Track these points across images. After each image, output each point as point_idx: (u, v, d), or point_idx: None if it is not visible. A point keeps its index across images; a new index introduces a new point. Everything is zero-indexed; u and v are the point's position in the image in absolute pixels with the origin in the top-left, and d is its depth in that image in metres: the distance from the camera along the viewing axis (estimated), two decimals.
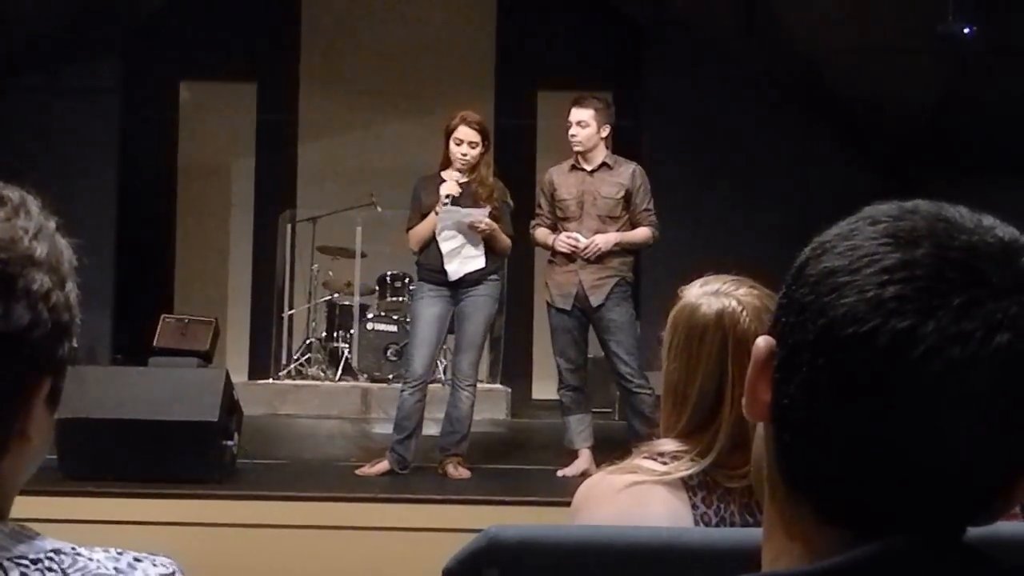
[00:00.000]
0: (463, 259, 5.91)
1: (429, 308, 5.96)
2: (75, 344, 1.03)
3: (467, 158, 5.89)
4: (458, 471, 5.85)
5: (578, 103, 6.01)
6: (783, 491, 0.89)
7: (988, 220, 0.85)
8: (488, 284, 6.01)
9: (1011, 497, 0.85)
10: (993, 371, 0.79)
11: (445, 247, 5.89)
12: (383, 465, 5.87)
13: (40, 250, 0.99)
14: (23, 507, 1.08)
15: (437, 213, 5.88)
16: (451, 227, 5.88)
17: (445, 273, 5.93)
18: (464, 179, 5.92)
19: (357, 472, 5.89)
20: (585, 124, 5.95)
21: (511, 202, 6.10)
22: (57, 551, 1.02)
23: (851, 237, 0.86)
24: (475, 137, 5.89)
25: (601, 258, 5.91)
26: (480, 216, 5.84)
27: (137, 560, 1.06)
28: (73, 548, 1.03)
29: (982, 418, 0.80)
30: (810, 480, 0.86)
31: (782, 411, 0.87)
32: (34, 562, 1.00)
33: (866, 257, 0.83)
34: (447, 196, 5.86)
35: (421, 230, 5.98)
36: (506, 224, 6.01)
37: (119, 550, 1.06)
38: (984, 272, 0.81)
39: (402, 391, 5.98)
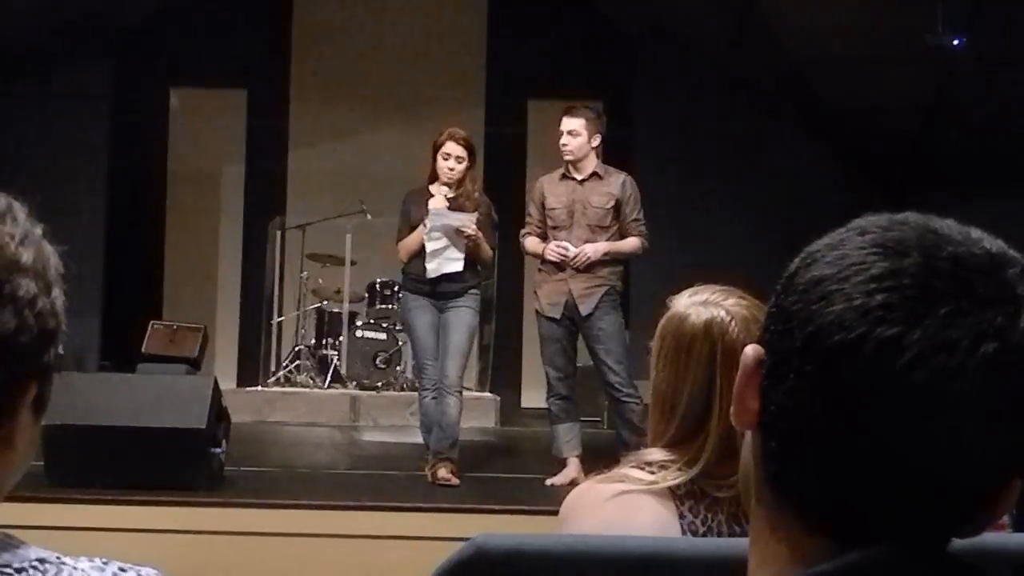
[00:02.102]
0: (443, 260, 6.04)
1: (421, 317, 6.12)
2: (61, 351, 1.03)
3: (454, 172, 6.05)
4: (449, 476, 5.86)
5: (569, 112, 6.03)
6: (769, 499, 0.89)
7: (976, 232, 0.86)
8: (469, 296, 6.13)
9: (996, 508, 0.85)
10: (978, 380, 0.80)
11: (429, 247, 6.03)
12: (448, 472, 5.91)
13: (26, 256, 0.99)
14: (9, 514, 1.08)
15: (425, 226, 6.01)
16: (439, 228, 6.00)
17: (428, 283, 6.05)
18: (451, 193, 6.05)
19: (437, 480, 5.86)
20: (576, 133, 5.96)
21: (495, 216, 6.26)
22: (42, 560, 1.01)
23: (840, 247, 0.86)
24: (461, 152, 6.06)
25: (590, 267, 5.93)
26: (468, 221, 5.96)
27: (122, 570, 1.06)
28: (58, 557, 1.02)
29: (967, 427, 0.80)
30: (796, 488, 0.87)
31: (769, 418, 0.88)
32: (19, 571, 1.00)
33: (854, 266, 0.84)
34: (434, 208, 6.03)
35: (410, 242, 6.13)
36: (489, 236, 6.16)
37: (104, 559, 1.06)
38: (971, 283, 0.82)
39: (423, 397, 6.13)
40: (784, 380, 0.85)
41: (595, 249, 5.91)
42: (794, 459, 0.86)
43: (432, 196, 6.08)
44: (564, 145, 5.98)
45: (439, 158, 6.08)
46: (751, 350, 0.90)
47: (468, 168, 6.10)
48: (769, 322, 0.90)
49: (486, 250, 6.15)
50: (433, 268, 6.04)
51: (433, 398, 6.02)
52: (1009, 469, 0.84)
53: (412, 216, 6.14)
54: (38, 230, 1.02)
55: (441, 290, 6.08)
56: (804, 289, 0.86)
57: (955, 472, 0.82)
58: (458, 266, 6.05)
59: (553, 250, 5.95)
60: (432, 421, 6.02)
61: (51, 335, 1.01)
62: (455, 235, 6.01)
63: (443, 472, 5.87)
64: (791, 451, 0.86)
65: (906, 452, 0.81)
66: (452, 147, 6.06)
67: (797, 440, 0.85)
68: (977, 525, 0.86)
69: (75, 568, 1.02)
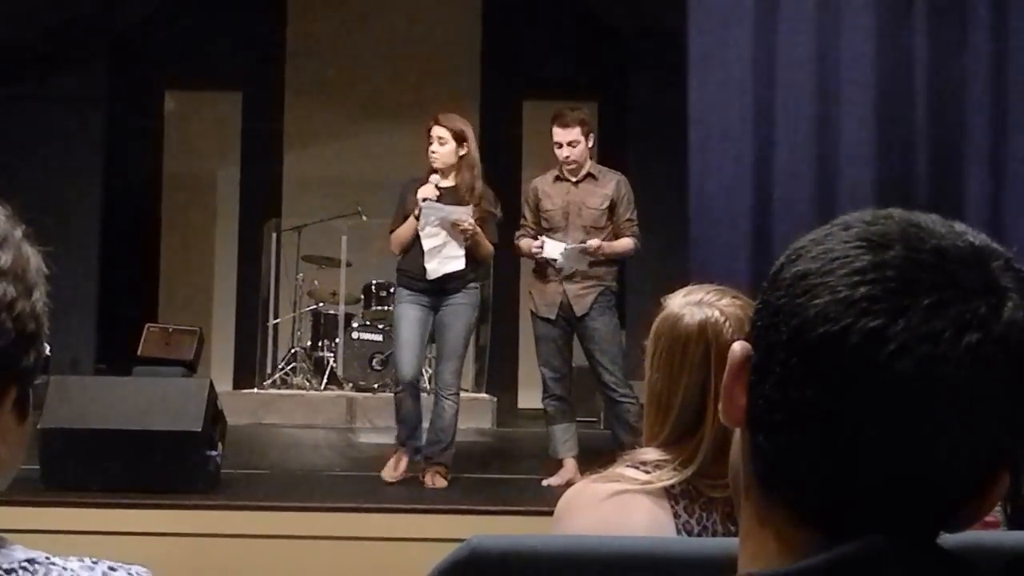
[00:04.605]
0: (443, 259, 5.85)
1: (409, 311, 5.94)
2: (46, 353, 1.03)
3: (436, 155, 5.88)
4: (434, 481, 5.81)
5: (562, 123, 5.98)
6: (758, 494, 0.90)
7: (960, 226, 0.87)
8: (467, 292, 5.96)
9: (984, 501, 0.86)
10: (963, 370, 0.80)
11: (427, 244, 5.83)
12: (404, 463, 5.83)
13: (4, 259, 0.99)
14: (5, 518, 1.08)
15: (416, 216, 5.84)
16: (434, 224, 5.82)
17: (425, 280, 5.87)
18: (445, 183, 5.88)
19: (384, 478, 5.81)
20: (576, 143, 5.95)
21: (498, 212, 6.07)
22: (31, 560, 1.01)
23: (824, 242, 0.88)
24: (443, 133, 5.88)
25: (587, 268, 5.92)
26: (464, 215, 5.79)
27: (112, 569, 1.06)
28: (47, 557, 1.02)
29: (952, 417, 0.81)
30: (784, 480, 0.87)
31: (757, 412, 0.88)
32: (8, 572, 1.00)
33: (838, 259, 0.85)
34: (424, 199, 5.82)
35: (402, 232, 5.93)
36: (490, 231, 5.97)
37: (94, 559, 1.06)
38: (954, 274, 0.82)
39: (397, 393, 5.98)
40: (771, 374, 0.86)
41: (600, 246, 5.90)
42: (781, 452, 0.87)
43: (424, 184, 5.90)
44: (567, 157, 5.96)
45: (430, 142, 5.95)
46: (738, 347, 0.92)
47: (462, 156, 5.89)
48: (756, 318, 0.91)
49: (486, 246, 5.94)
50: (434, 268, 5.83)
51: (409, 395, 5.88)
52: (996, 460, 0.84)
53: (407, 205, 5.94)
54: (18, 232, 1.02)
55: (438, 287, 5.89)
56: (789, 284, 0.87)
57: (942, 462, 0.82)
58: (460, 264, 5.86)
59: (538, 249, 5.92)
60: (407, 414, 5.88)
61: (31, 338, 1.01)
62: (452, 229, 5.83)
63: (428, 478, 5.80)
64: (778, 444, 0.87)
65: (892, 442, 0.82)
66: (436, 130, 5.90)
67: (784, 433, 0.86)
68: (966, 519, 0.86)
69: (64, 568, 1.02)
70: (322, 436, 8.25)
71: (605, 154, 6.56)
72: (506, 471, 6.71)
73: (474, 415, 8.69)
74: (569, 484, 4.88)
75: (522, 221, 6.16)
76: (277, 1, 11.09)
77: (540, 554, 1.41)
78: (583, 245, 5.88)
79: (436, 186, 5.88)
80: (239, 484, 5.77)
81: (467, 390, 9.46)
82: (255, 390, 9.47)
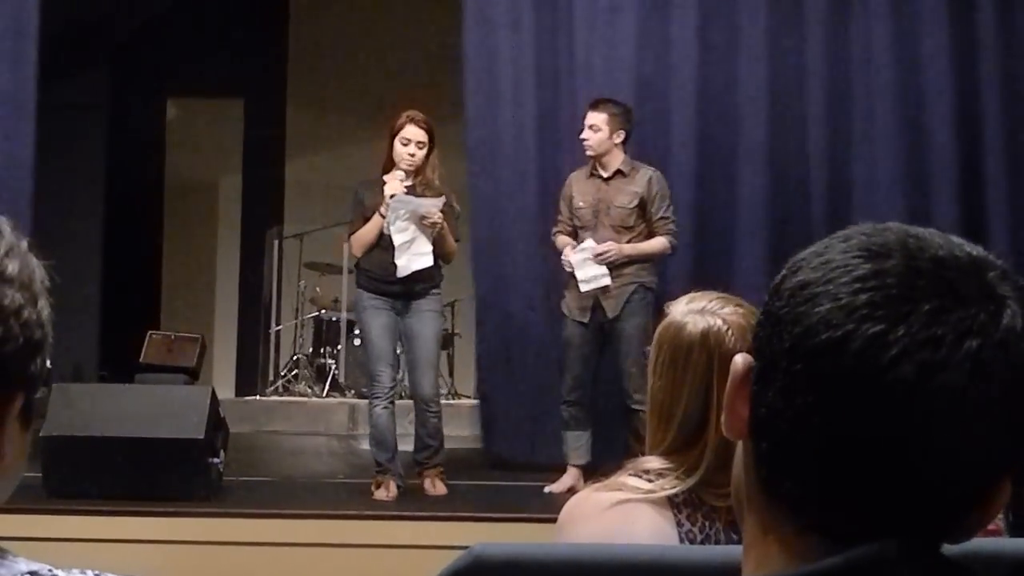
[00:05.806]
0: (412, 255, 5.63)
1: (376, 319, 5.76)
2: (48, 363, 1.04)
3: (415, 159, 5.68)
4: (435, 486, 5.77)
5: (593, 106, 5.89)
6: (761, 503, 0.91)
7: (957, 239, 0.88)
8: (431, 299, 5.80)
9: (987, 510, 0.86)
10: (963, 375, 0.81)
11: (397, 240, 5.61)
12: (393, 487, 5.66)
13: (12, 267, 1.00)
14: (7, 526, 1.08)
15: (383, 215, 5.65)
16: (404, 218, 5.61)
17: (390, 282, 5.70)
18: (409, 181, 5.69)
19: (375, 497, 5.64)
20: (597, 128, 5.81)
21: (457, 207, 5.94)
22: (34, 573, 1.02)
23: (824, 253, 0.89)
24: (423, 137, 5.69)
25: (615, 267, 5.75)
26: (433, 207, 5.59)
27: None
28: (50, 570, 1.03)
29: (952, 422, 0.82)
30: (788, 487, 0.88)
31: (760, 421, 0.89)
32: None
33: (839, 269, 0.86)
34: (391, 196, 5.64)
35: (364, 234, 5.75)
36: (453, 228, 5.81)
37: (96, 572, 1.06)
38: (953, 282, 0.84)
39: (374, 407, 5.75)
40: (774, 382, 0.87)
41: (619, 250, 5.76)
42: (784, 458, 0.87)
43: (388, 183, 5.68)
44: (585, 139, 5.83)
45: (397, 143, 5.71)
46: (740, 359, 0.93)
47: (429, 154, 5.71)
48: (758, 329, 0.92)
49: (450, 243, 5.76)
50: (403, 265, 5.61)
51: (385, 408, 5.70)
52: (998, 468, 0.85)
53: (366, 206, 5.75)
54: (23, 243, 1.03)
55: (403, 291, 5.71)
56: (791, 294, 0.88)
57: (943, 467, 0.83)
58: (428, 261, 5.64)
59: (565, 259, 5.81)
60: (383, 433, 5.69)
61: (37, 345, 1.02)
62: (420, 223, 5.61)
63: (428, 483, 5.75)
64: (781, 451, 0.87)
65: (894, 448, 0.82)
66: (412, 131, 5.68)
67: (787, 439, 0.87)
68: (968, 528, 0.87)
69: None
70: (324, 443, 8.24)
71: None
72: (508, 478, 6.70)
73: (476, 421, 8.66)
74: (571, 491, 4.88)
75: (558, 217, 6.01)
76: (279, 8, 11.10)
77: (543, 562, 1.41)
78: (588, 253, 5.74)
79: (400, 182, 5.68)
80: (241, 491, 5.77)
81: (469, 396, 9.47)
82: (257, 397, 9.47)
